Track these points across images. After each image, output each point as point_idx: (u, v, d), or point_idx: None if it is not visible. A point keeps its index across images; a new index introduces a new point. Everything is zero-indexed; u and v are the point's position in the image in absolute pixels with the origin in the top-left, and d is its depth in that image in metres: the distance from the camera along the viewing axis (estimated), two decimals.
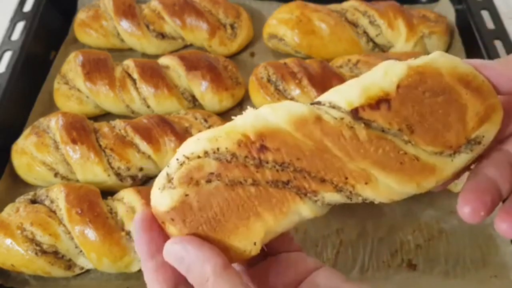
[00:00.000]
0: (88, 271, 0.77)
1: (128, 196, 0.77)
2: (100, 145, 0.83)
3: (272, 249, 0.48)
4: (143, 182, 0.86)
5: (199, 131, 0.85)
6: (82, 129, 0.83)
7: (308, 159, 0.39)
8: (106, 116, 0.95)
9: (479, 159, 0.41)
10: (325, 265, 0.46)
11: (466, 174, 0.42)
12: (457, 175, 0.42)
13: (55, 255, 0.73)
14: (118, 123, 0.86)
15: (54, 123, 0.84)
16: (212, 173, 0.40)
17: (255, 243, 0.40)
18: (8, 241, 0.72)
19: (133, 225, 0.44)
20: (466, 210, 0.37)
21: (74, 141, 0.82)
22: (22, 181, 0.86)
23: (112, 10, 1.00)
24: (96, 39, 1.02)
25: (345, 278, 0.44)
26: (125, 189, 0.79)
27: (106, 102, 0.92)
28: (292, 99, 0.88)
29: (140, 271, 0.75)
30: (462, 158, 0.40)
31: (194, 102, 0.94)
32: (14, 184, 0.86)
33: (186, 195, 0.40)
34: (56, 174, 0.83)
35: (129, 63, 0.93)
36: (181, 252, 0.40)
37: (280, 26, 0.98)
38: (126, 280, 0.76)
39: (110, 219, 0.74)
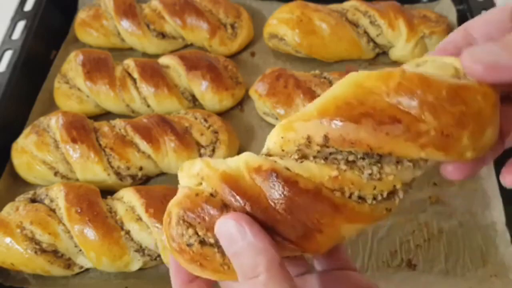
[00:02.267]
0: (87, 270, 0.77)
1: (128, 196, 0.76)
2: (100, 144, 0.83)
3: (329, 265, 0.47)
4: (143, 181, 0.86)
5: (199, 130, 0.85)
6: (82, 128, 0.83)
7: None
8: (106, 115, 0.95)
9: None
10: (376, 285, 0.44)
11: None
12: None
13: (54, 254, 0.73)
14: (118, 123, 0.86)
15: (54, 122, 0.84)
16: None
17: None
18: (8, 239, 0.72)
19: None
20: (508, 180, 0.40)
21: (74, 140, 0.82)
22: (22, 180, 0.86)
23: (113, 10, 1.00)
24: (97, 38, 1.02)
25: None
26: (125, 188, 0.79)
27: (106, 102, 0.92)
28: None
29: (139, 270, 0.75)
30: None
31: (194, 102, 0.94)
32: (14, 183, 0.86)
33: None
34: (56, 173, 0.83)
35: (129, 62, 0.93)
36: (235, 233, 0.36)
37: (281, 25, 0.98)
38: (125, 279, 0.76)
39: (110, 218, 0.74)
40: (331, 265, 0.47)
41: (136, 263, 0.74)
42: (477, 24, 0.43)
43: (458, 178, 0.41)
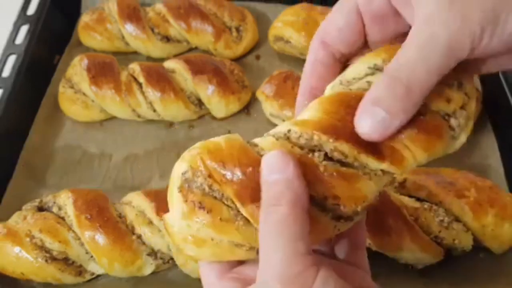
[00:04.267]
0: (97, 276, 0.76)
1: (137, 200, 0.76)
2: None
3: (346, 257, 0.47)
4: None
5: None
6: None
7: None
8: (111, 120, 0.94)
9: None
10: None
11: None
12: None
13: (65, 261, 0.72)
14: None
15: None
16: None
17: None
18: (17, 249, 0.71)
19: None
20: None
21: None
22: (30, 186, 0.85)
23: (117, 13, 0.99)
24: (101, 42, 1.01)
25: None
26: (132, 193, 0.78)
27: (112, 106, 0.92)
28: None
29: (151, 274, 0.74)
30: None
31: (200, 106, 0.93)
32: (22, 190, 0.85)
33: None
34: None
35: (135, 67, 0.93)
36: (278, 166, 0.37)
37: (286, 28, 0.97)
38: (137, 284, 0.75)
39: (120, 223, 0.74)
40: (349, 258, 0.47)
41: (148, 267, 0.73)
42: (331, 34, 0.45)
43: None
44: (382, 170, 0.40)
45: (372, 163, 0.40)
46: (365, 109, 0.38)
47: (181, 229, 0.40)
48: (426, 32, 0.37)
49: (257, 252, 0.40)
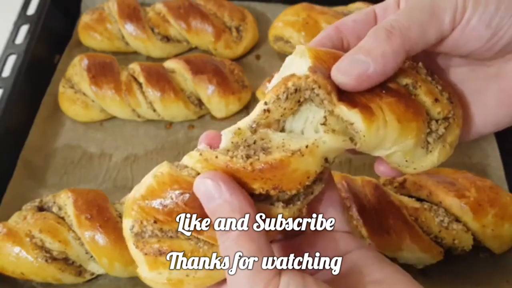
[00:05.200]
0: (96, 277, 0.76)
1: None
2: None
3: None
4: None
5: None
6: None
7: None
8: (111, 120, 0.95)
9: None
10: (369, 247, 0.44)
11: None
12: None
13: (65, 261, 0.72)
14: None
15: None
16: None
17: None
18: (17, 249, 0.71)
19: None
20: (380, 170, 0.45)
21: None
22: (30, 186, 0.85)
23: (117, 13, 0.99)
24: (101, 42, 1.01)
25: (382, 258, 0.42)
26: None
27: (112, 106, 0.92)
28: None
29: None
30: None
31: (200, 106, 0.93)
32: (22, 190, 0.85)
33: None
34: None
35: (135, 67, 0.93)
36: (212, 191, 0.37)
37: (286, 28, 0.97)
38: (135, 285, 0.75)
39: (120, 223, 0.73)
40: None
41: None
42: (347, 22, 0.45)
43: (389, 176, 0.46)
44: (331, 131, 0.39)
45: (341, 109, 0.38)
46: (346, 56, 0.39)
47: (155, 279, 0.40)
48: None
49: None
